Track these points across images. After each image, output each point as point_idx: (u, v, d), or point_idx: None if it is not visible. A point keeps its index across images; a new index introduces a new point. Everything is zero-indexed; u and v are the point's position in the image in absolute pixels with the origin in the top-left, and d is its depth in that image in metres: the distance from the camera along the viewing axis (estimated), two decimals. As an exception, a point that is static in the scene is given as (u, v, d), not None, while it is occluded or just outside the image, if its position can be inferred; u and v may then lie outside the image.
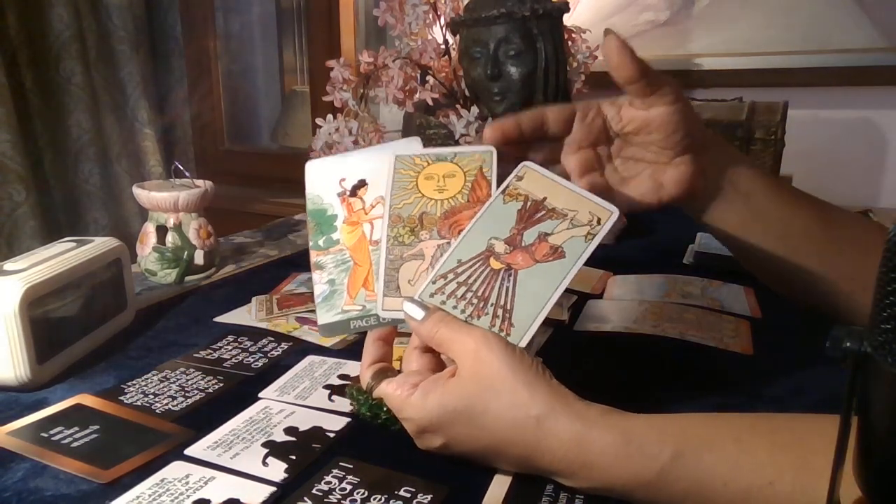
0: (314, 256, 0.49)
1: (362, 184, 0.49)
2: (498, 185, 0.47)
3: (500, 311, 0.43)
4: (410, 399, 0.41)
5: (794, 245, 0.54)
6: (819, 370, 0.56)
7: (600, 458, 0.38)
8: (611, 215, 0.45)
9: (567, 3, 1.15)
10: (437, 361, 0.45)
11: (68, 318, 0.59)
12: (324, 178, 0.50)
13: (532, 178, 0.47)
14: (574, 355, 0.61)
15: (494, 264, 0.44)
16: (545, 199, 0.46)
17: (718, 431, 0.39)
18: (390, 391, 0.43)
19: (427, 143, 1.17)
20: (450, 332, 0.42)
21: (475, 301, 0.44)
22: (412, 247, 0.46)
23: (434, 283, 0.44)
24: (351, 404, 0.47)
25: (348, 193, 0.49)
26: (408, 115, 1.16)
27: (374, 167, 0.50)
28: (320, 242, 0.49)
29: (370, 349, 0.47)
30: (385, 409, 0.44)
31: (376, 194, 0.49)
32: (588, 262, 0.68)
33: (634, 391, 0.54)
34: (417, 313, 0.43)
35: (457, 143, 1.10)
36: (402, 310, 0.44)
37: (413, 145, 0.50)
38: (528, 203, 0.46)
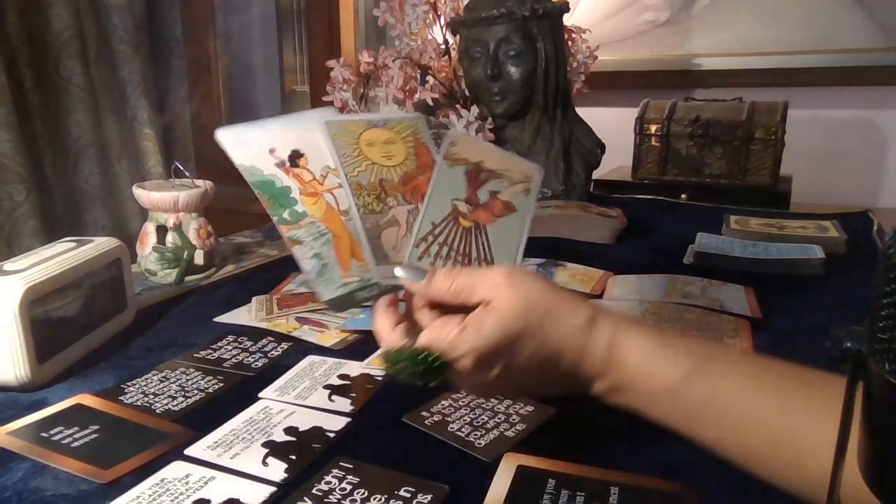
0: (285, 231, 0.47)
1: (298, 154, 0.47)
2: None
3: (483, 264, 0.46)
4: (464, 334, 0.41)
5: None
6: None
7: (634, 355, 0.40)
8: (535, 171, 0.50)
9: (567, 3, 1.15)
10: (449, 313, 0.44)
11: (68, 318, 0.59)
12: (248, 149, 0.47)
13: (464, 144, 0.49)
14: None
15: (464, 222, 0.47)
16: (481, 161, 0.49)
17: (744, 361, 0.41)
18: (436, 335, 0.42)
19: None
20: (467, 277, 0.43)
21: (459, 258, 0.46)
22: (384, 214, 0.47)
23: (417, 246, 0.46)
24: (386, 370, 0.44)
25: (289, 164, 0.47)
26: (408, 115, 1.16)
27: (302, 136, 0.47)
28: (285, 216, 0.47)
29: (385, 317, 0.45)
30: (427, 360, 0.43)
31: (320, 164, 0.47)
32: (588, 262, 0.70)
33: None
34: (417, 276, 0.44)
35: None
36: (396, 276, 0.45)
37: (330, 113, 0.48)
38: (470, 166, 0.48)
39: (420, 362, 0.43)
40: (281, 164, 0.46)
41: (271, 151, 0.47)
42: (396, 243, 0.46)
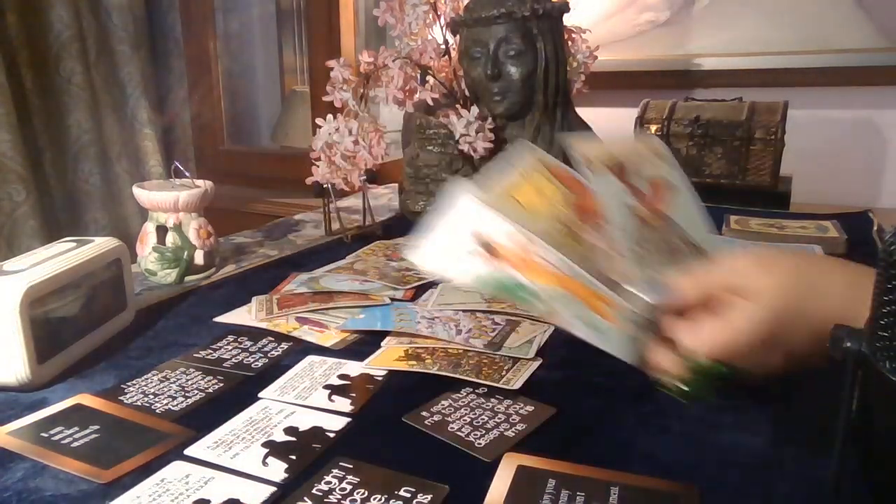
0: (545, 315, 0.46)
1: (486, 241, 0.45)
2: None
3: (689, 247, 0.46)
4: (738, 331, 0.40)
5: None
6: (819, 369, 0.56)
7: None
8: (654, 139, 0.53)
9: (567, 3, 1.15)
10: (692, 314, 0.44)
11: (68, 318, 0.59)
12: (449, 263, 0.46)
13: (583, 147, 0.49)
14: (574, 354, 0.61)
15: (649, 219, 0.47)
16: (611, 154, 0.49)
17: None
18: (719, 339, 0.41)
19: (427, 143, 1.16)
20: (711, 274, 0.42)
21: (669, 252, 0.46)
22: (586, 248, 0.46)
23: (632, 262, 0.46)
24: (681, 396, 0.43)
25: (490, 253, 0.45)
26: (408, 115, 1.16)
27: (468, 227, 0.46)
28: (536, 304, 0.45)
29: (655, 348, 0.45)
30: (714, 368, 0.42)
31: (504, 238, 0.46)
32: None
33: (634, 390, 0.54)
34: (658, 290, 0.44)
35: (456, 142, 1.10)
36: (644, 297, 0.44)
37: (465, 186, 0.48)
38: (611, 166, 0.49)
39: (709, 373, 0.42)
40: (488, 258, 0.45)
41: (470, 253, 0.45)
42: (617, 268, 0.46)
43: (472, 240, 0.45)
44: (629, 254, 0.46)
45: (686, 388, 0.42)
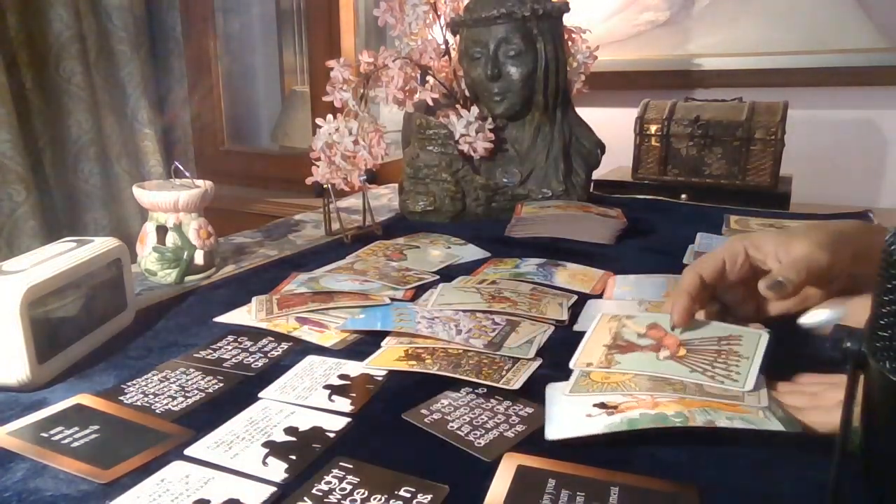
0: (696, 423, 0.47)
1: (604, 405, 0.49)
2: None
3: (726, 341, 0.54)
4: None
5: None
6: (819, 370, 0.56)
7: None
8: (608, 314, 0.62)
9: (567, 3, 1.15)
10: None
11: (68, 318, 0.59)
12: (576, 426, 0.48)
13: (581, 363, 0.56)
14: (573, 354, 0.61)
15: (680, 352, 0.54)
16: (603, 350, 0.56)
17: None
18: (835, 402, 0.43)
19: (427, 143, 1.16)
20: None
21: (723, 354, 0.52)
22: (669, 381, 0.51)
23: (705, 373, 0.51)
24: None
25: (610, 409, 0.48)
26: (408, 115, 1.16)
27: (582, 407, 0.49)
28: (682, 420, 0.47)
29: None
30: None
31: (620, 399, 0.50)
32: (588, 262, 0.71)
33: (634, 391, 0.54)
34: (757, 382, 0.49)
35: (456, 142, 1.10)
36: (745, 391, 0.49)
37: (565, 392, 0.52)
38: (612, 354, 0.56)
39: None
40: (613, 412, 0.48)
41: (593, 416, 0.48)
42: (713, 388, 0.50)
43: (591, 408, 0.49)
44: (707, 380, 0.50)
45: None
